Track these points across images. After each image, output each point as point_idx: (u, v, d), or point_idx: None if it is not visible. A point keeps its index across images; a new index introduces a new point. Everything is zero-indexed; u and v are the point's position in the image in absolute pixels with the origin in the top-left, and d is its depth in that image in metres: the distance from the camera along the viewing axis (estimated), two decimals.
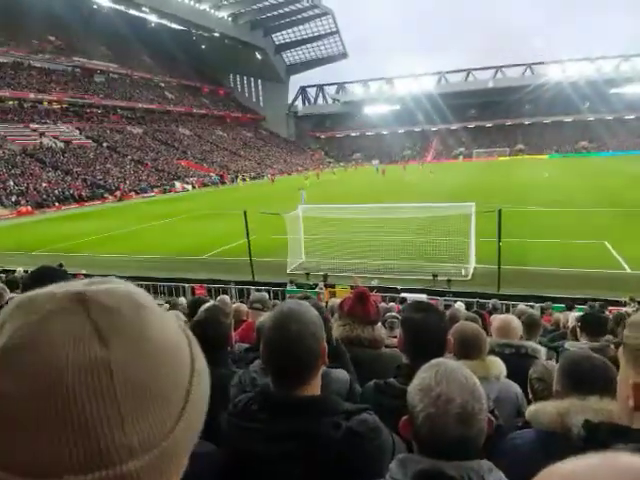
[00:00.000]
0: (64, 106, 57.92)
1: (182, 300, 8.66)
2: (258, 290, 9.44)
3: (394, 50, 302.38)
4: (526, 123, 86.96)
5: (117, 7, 63.35)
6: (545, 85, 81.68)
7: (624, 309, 7.55)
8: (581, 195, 27.47)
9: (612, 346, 3.16)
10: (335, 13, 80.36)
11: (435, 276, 12.92)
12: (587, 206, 23.12)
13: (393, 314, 5.18)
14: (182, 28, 76.18)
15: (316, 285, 11.91)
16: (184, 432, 0.45)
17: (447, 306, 8.55)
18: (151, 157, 55.77)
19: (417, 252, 14.91)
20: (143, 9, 65.15)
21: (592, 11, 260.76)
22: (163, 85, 78.64)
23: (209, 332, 2.26)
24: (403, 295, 10.12)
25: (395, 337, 3.66)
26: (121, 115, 64.99)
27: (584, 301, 9.21)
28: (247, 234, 13.87)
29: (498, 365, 2.30)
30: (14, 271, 12.31)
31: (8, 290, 4.15)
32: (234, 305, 4.78)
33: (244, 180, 55.85)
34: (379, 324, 3.15)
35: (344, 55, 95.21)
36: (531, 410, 1.59)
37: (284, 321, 1.33)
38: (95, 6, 63.39)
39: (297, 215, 16.05)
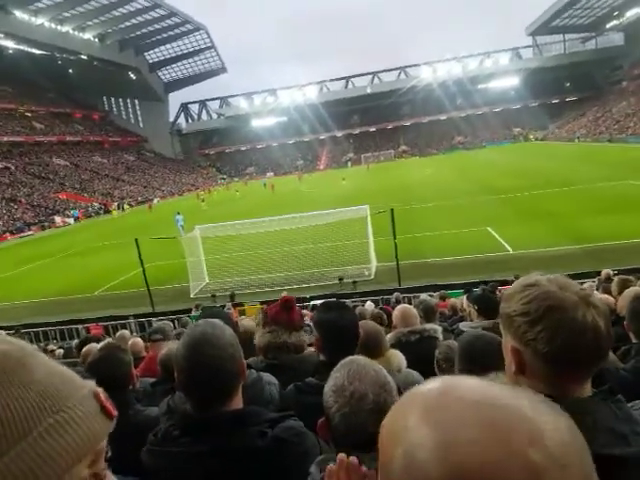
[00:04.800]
0: None
1: (76, 343, 7.92)
2: (160, 321, 8.93)
3: (275, 62, 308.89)
4: (406, 125, 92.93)
5: None
6: (419, 86, 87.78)
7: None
8: (461, 187, 30.13)
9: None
10: (210, 28, 79.32)
11: (341, 280, 13.28)
12: (468, 197, 25.39)
13: (307, 322, 5.19)
14: (45, 53, 70.01)
15: (223, 306, 11.57)
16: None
17: (355, 307, 8.81)
18: (24, 193, 50.49)
19: (321, 259, 15.22)
20: None
21: (457, 15, 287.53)
22: (30, 115, 71.15)
23: (106, 373, 2.10)
24: (313, 303, 10.23)
25: (309, 345, 3.68)
26: None
27: (477, 285, 10.04)
28: (142, 263, 13.06)
29: (397, 357, 2.43)
30: None
31: None
32: (129, 342, 4.45)
33: (120, 209, 52.04)
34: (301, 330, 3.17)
35: (223, 69, 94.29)
36: None
37: (199, 347, 1.29)
38: None
39: (195, 236, 15.52)
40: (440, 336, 3.16)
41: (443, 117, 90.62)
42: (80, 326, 11.54)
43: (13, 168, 56.78)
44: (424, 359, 2.56)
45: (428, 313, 4.24)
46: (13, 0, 53.85)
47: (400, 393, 1.26)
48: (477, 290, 8.30)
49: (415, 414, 0.43)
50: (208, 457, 1.26)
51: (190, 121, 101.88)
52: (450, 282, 11.31)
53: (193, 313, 10.93)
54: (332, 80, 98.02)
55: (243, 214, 24.60)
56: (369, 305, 8.45)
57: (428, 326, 3.21)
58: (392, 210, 12.53)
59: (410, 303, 8.44)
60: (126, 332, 5.65)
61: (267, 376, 2.03)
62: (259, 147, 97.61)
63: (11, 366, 0.53)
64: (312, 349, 3.35)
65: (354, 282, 13.09)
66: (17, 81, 71.11)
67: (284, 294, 12.20)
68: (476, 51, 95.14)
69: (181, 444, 1.30)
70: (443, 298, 9.24)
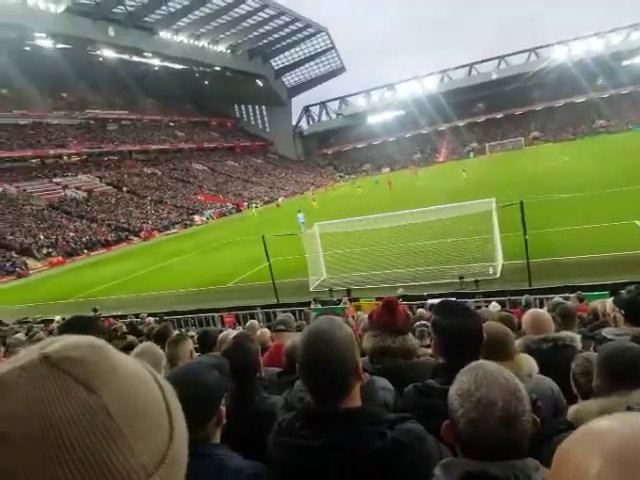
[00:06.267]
0: (83, 157, 60.24)
1: (213, 328, 8.74)
2: (284, 312, 9.45)
3: (394, 55, 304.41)
4: (537, 109, 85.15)
5: (122, 56, 65.58)
6: (552, 68, 79.97)
7: None
8: (604, 176, 26.73)
9: None
10: (330, 27, 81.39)
11: (462, 278, 12.66)
12: (612, 186, 22.47)
13: (422, 322, 5.08)
14: (184, 67, 78.34)
15: (340, 301, 11.84)
16: (179, 439, 0.52)
17: (477, 308, 8.37)
18: (169, 195, 57.06)
19: (440, 256, 14.73)
20: (145, 54, 67.30)
21: None
22: (173, 125, 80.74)
23: (237, 360, 2.25)
24: (431, 301, 9.95)
25: (426, 346, 3.59)
26: (136, 159, 66.95)
27: (622, 286, 8.87)
28: (267, 258, 13.97)
29: (528, 362, 2.24)
30: (52, 320, 12.69)
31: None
32: (257, 332, 4.80)
33: (250, 208, 54.51)
34: (410, 334, 3.09)
35: (342, 69, 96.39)
36: (572, 411, 1.53)
37: (314, 342, 1.35)
38: (101, 59, 65.56)
39: (314, 233, 16.10)
40: (579, 345, 2.84)
41: (581, 99, 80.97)
42: (216, 314, 12.69)
43: (160, 173, 64.74)
44: (558, 371, 2.32)
45: (566, 318, 3.82)
46: (159, 22, 61.07)
47: (533, 402, 1.17)
48: (624, 292, 7.32)
49: (603, 466, 0.37)
50: (326, 452, 1.28)
51: (311, 122, 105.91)
52: (589, 283, 10.12)
53: (312, 306, 11.39)
54: (455, 68, 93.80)
55: (357, 211, 24.81)
56: (493, 306, 7.95)
57: (564, 333, 2.90)
58: (522, 203, 11.62)
59: (542, 306, 7.77)
60: (255, 322, 6.09)
61: (381, 381, 1.97)
62: (375, 143, 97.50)
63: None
64: (428, 350, 3.28)
65: (476, 281, 12.39)
66: (161, 95, 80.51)
67: (399, 291, 12.13)
68: (620, 24, 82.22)
69: (301, 436, 1.34)
70: (580, 300, 8.32)
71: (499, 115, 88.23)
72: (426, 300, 10.42)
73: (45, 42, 55.20)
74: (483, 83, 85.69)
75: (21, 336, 6.68)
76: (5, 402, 0.43)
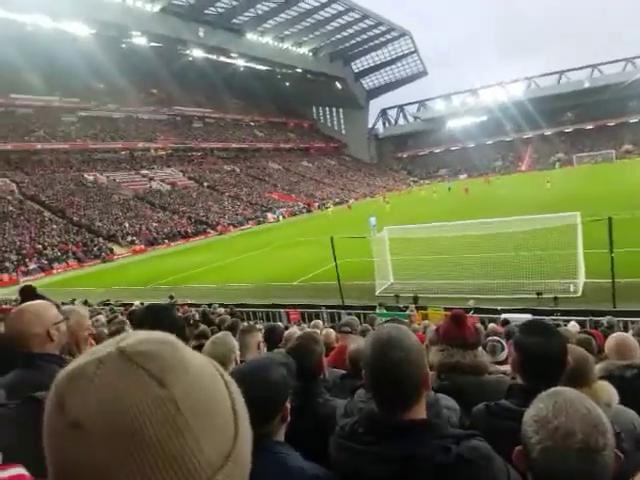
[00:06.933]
0: (168, 152, 64.23)
1: (279, 325, 8.92)
2: (349, 314, 9.45)
3: (479, 60, 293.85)
4: (632, 121, 78.98)
5: (209, 56, 68.95)
6: None
7: None
8: None
9: None
10: (413, 31, 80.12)
11: (539, 294, 11.99)
12: None
13: (495, 337, 4.85)
14: (267, 68, 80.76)
15: (406, 307, 11.61)
16: (244, 437, 0.53)
17: (555, 326, 7.86)
18: (245, 192, 59.14)
19: (517, 269, 13.98)
20: (232, 55, 70.24)
21: None
22: (253, 124, 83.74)
23: (299, 361, 2.25)
24: (505, 316, 9.48)
25: (497, 363, 3.43)
26: (217, 156, 70.26)
27: None
28: (335, 259, 14.04)
29: (607, 390, 2.08)
30: (132, 304, 13.63)
31: (129, 323, 4.66)
32: (323, 332, 4.84)
33: (320, 209, 55.80)
34: (480, 349, 2.97)
35: (424, 73, 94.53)
36: None
37: (384, 349, 1.32)
38: (190, 58, 69.25)
39: (383, 237, 15.93)
40: None
41: None
42: (282, 310, 12.94)
43: (238, 170, 67.40)
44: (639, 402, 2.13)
45: None
46: (246, 24, 63.51)
47: (616, 435, 1.09)
48: None
49: None
50: (388, 461, 1.26)
51: (387, 125, 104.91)
52: None
53: (377, 310, 11.26)
54: (542, 75, 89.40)
55: (430, 217, 24.16)
56: (572, 326, 7.42)
57: None
58: (610, 219, 10.79)
59: (626, 329, 7.16)
60: (319, 322, 6.18)
61: (446, 399, 1.91)
62: (453, 149, 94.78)
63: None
64: (503, 368, 3.13)
65: (555, 298, 11.67)
66: (244, 95, 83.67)
67: (470, 302, 11.66)
68: None
69: (363, 442, 1.32)
70: None
71: (589, 125, 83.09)
72: (500, 314, 9.95)
73: (140, 40, 59.20)
74: (574, 91, 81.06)
75: (102, 318, 7.23)
76: (83, 392, 0.46)
